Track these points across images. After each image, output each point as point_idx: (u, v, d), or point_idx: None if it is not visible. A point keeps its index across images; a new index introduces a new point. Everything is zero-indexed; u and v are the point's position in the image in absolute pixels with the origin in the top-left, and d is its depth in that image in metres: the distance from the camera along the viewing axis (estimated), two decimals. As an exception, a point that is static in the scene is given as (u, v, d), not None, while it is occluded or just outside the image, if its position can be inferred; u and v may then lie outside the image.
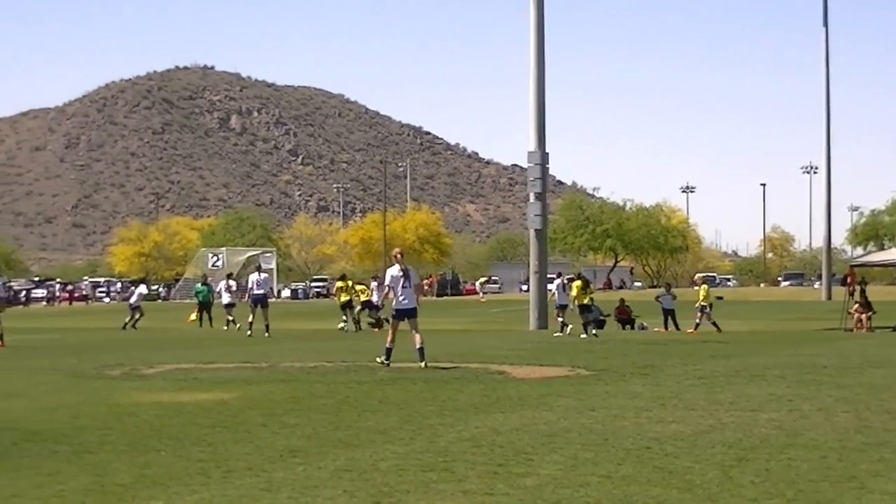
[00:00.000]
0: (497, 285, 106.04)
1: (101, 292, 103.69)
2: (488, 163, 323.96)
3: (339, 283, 40.91)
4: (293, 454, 10.13)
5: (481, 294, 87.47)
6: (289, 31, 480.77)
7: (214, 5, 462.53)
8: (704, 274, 75.39)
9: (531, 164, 43.17)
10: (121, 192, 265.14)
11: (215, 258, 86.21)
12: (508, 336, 34.52)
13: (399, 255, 21.56)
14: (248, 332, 34.56)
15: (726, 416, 12.84)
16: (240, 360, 21.90)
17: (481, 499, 8.09)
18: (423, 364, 19.94)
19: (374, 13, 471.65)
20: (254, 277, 37.11)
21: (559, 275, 37.93)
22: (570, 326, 34.51)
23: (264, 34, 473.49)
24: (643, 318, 43.46)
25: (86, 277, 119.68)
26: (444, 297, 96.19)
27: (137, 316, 43.39)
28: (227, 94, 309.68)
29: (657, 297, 43.05)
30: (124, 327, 42.51)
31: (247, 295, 37.48)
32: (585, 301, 34.39)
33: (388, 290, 20.92)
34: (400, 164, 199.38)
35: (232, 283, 44.43)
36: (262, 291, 36.15)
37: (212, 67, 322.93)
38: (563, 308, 35.43)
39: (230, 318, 41.17)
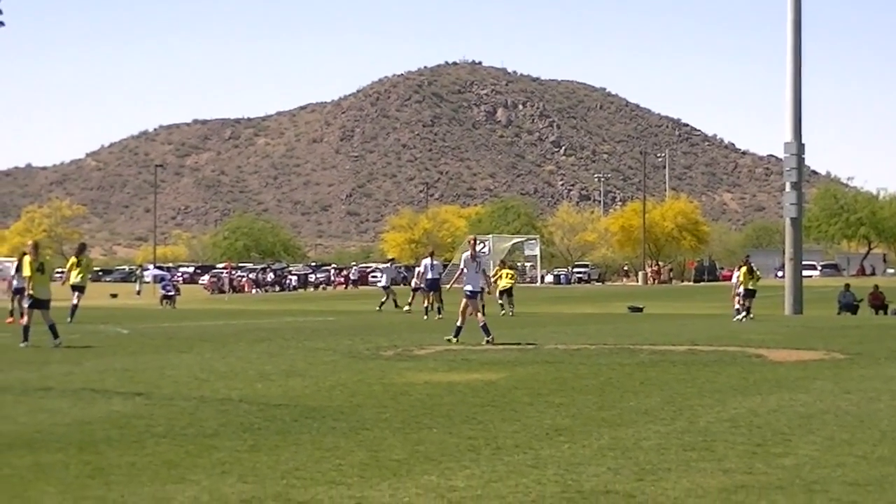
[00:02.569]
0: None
1: (373, 277, 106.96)
2: (744, 153, 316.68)
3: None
4: (559, 432, 10.39)
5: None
6: (553, 28, 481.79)
7: (483, 3, 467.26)
8: None
9: (787, 155, 43.25)
10: (393, 182, 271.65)
11: (482, 245, 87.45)
12: (765, 320, 34.07)
13: (473, 242, 23.91)
14: (425, 316, 36.16)
15: (983, 398, 12.60)
16: (506, 343, 22.33)
17: (741, 477, 8.26)
18: (488, 339, 21.68)
19: (635, 9, 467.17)
20: (427, 263, 37.84)
21: (743, 263, 38.37)
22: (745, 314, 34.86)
23: (529, 31, 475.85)
24: None
25: (353, 262, 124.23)
26: (702, 283, 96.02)
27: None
28: (493, 89, 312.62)
29: None
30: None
31: (421, 280, 38.49)
32: (749, 286, 35.57)
33: (460, 273, 23.15)
34: (659, 155, 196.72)
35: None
36: (435, 276, 37.10)
37: (479, 63, 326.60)
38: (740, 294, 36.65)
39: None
